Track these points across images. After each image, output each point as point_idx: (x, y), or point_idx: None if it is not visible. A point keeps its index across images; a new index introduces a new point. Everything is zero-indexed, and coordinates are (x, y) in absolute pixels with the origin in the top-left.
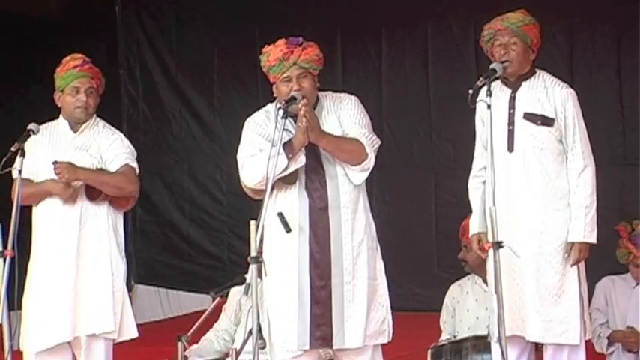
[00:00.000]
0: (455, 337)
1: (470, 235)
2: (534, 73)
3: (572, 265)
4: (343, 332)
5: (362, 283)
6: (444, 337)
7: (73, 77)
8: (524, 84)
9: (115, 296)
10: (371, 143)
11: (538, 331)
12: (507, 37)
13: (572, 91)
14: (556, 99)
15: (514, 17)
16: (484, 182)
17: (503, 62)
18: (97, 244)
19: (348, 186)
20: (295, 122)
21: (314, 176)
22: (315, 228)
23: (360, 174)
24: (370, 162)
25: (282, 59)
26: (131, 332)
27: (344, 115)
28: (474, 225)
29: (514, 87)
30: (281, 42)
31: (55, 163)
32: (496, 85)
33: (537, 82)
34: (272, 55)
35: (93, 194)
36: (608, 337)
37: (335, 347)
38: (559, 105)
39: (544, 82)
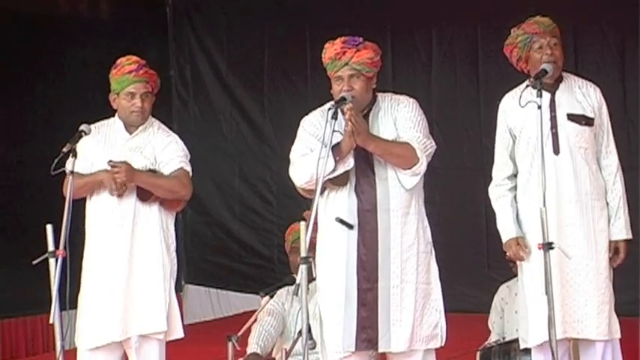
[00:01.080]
0: (504, 338)
1: (505, 240)
2: (562, 76)
3: (617, 264)
4: (389, 336)
5: (410, 288)
6: (493, 338)
7: (128, 82)
8: (560, 86)
9: (164, 295)
10: (424, 148)
11: (600, 330)
12: (548, 38)
13: (600, 91)
14: (592, 99)
15: (545, 21)
16: (509, 189)
17: (549, 62)
18: (149, 243)
19: (398, 189)
20: None
21: (364, 178)
22: (362, 230)
23: (411, 178)
24: (421, 166)
25: (335, 58)
26: (177, 332)
27: (400, 118)
28: (510, 230)
29: (552, 90)
30: (339, 40)
31: (110, 162)
32: (530, 90)
33: (571, 84)
34: (327, 52)
35: (144, 195)
36: None
37: (380, 350)
38: (596, 104)
39: (577, 84)
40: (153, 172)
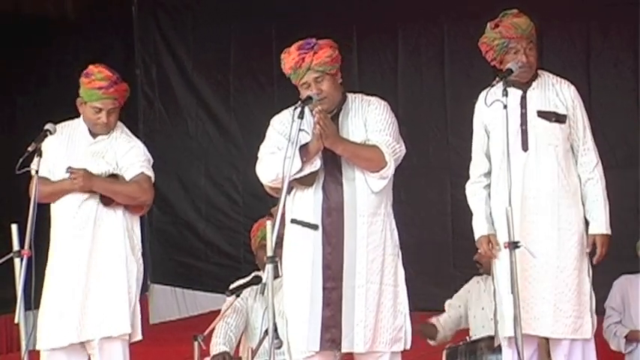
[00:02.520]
0: (470, 337)
1: (477, 237)
2: (538, 73)
3: (598, 261)
4: (352, 336)
5: (375, 289)
6: (443, 315)
7: (96, 97)
8: (533, 84)
9: (129, 298)
10: (393, 151)
11: (555, 328)
12: (524, 43)
13: (575, 88)
14: (566, 96)
15: (523, 23)
16: (485, 187)
17: (521, 67)
18: (112, 246)
19: (366, 190)
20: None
21: (331, 179)
22: (328, 229)
23: (378, 181)
24: (389, 170)
25: (296, 67)
26: (136, 335)
27: (370, 120)
28: (482, 227)
29: (524, 88)
30: (293, 48)
31: (69, 169)
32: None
33: (545, 82)
34: (286, 63)
35: (107, 200)
36: (626, 337)
37: (343, 350)
38: (569, 102)
39: (550, 81)
40: (115, 177)
